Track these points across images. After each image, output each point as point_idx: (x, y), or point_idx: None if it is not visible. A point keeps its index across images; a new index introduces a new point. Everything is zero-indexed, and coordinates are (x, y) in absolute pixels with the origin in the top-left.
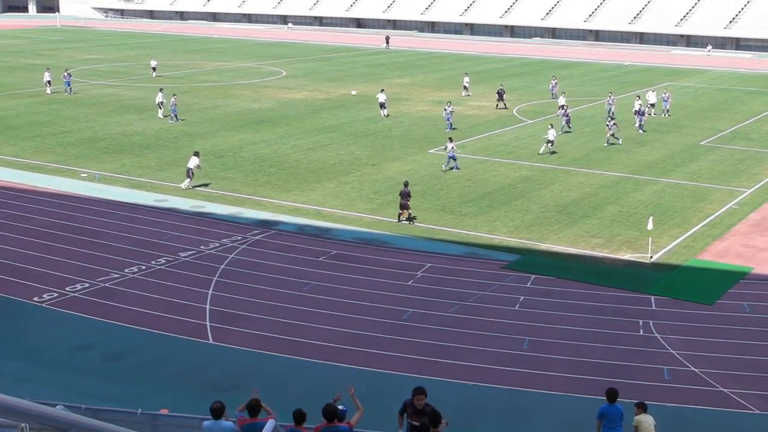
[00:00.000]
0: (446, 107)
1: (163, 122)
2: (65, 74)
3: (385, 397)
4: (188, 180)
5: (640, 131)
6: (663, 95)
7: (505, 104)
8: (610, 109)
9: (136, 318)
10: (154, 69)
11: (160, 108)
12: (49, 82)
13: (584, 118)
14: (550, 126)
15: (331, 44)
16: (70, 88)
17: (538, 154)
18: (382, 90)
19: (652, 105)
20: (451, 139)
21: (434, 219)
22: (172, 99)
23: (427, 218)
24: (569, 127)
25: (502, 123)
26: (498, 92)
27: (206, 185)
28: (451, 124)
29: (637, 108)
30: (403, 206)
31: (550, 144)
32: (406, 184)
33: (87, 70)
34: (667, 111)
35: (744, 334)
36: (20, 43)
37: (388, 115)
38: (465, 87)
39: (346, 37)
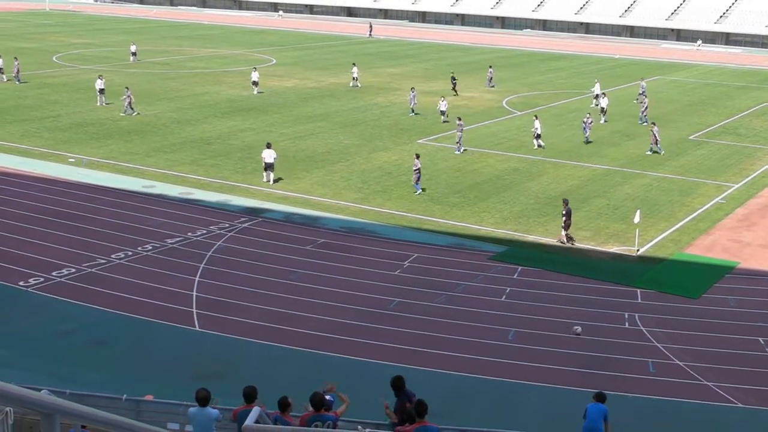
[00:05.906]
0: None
1: (145, 108)
2: (16, 64)
3: (371, 387)
4: (267, 173)
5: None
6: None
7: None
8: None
9: (123, 304)
10: (134, 54)
11: (101, 94)
12: (0, 69)
13: (573, 111)
14: (534, 117)
15: (321, 33)
16: (17, 77)
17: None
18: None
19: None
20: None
21: (422, 209)
22: (127, 92)
23: (415, 208)
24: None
25: (491, 114)
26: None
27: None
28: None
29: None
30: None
31: (538, 137)
32: (566, 202)
33: (75, 55)
34: None
35: (729, 328)
36: (8, 26)
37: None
38: (354, 78)
39: (337, 25)
